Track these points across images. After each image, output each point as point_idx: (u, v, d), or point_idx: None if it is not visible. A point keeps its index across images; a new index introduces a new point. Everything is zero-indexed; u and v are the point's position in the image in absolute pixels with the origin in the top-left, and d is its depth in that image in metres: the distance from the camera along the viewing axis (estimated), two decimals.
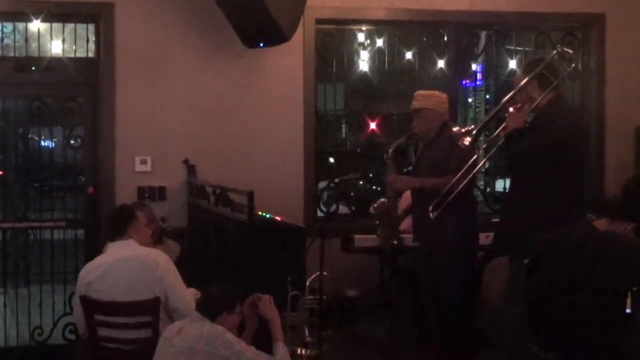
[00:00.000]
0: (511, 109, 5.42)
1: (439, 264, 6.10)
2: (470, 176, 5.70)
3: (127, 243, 5.18)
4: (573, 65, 5.72)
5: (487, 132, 7.00)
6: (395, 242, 6.53)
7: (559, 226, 4.80)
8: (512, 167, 5.82)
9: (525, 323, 4.70)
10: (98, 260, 5.24)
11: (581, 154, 5.74)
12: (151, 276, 5.00)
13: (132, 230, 5.24)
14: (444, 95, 6.33)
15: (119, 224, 5.25)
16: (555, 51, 5.77)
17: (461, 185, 5.66)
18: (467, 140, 5.40)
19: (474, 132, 5.41)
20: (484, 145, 5.89)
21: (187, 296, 5.08)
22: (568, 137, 5.39)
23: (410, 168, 6.82)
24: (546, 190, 5.36)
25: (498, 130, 5.69)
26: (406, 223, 6.72)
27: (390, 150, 6.40)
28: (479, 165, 5.79)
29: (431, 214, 5.71)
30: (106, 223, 5.47)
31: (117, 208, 5.75)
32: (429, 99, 6.24)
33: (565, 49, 5.91)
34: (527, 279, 4.48)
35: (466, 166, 5.69)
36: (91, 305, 5.05)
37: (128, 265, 5.05)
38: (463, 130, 5.48)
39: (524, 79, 5.47)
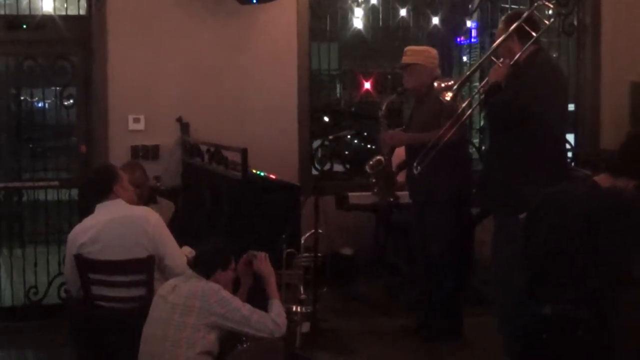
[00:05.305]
0: (498, 63, 5.38)
1: (430, 219, 6.11)
2: (453, 130, 5.66)
3: (115, 203, 5.06)
4: (552, 19, 5.65)
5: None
6: (392, 199, 6.53)
7: (539, 182, 4.77)
8: (491, 122, 5.77)
9: (516, 278, 4.69)
10: (87, 222, 5.09)
11: (561, 109, 5.63)
12: (143, 234, 4.95)
13: (118, 189, 5.11)
14: (433, 51, 6.31)
15: (104, 184, 5.09)
16: (535, 4, 5.70)
17: (445, 139, 5.65)
18: (448, 95, 5.37)
19: (454, 86, 5.38)
20: (467, 100, 5.84)
21: (178, 254, 5.05)
22: (544, 92, 5.31)
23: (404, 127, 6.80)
24: (524, 146, 5.30)
25: (481, 85, 5.66)
26: (403, 177, 6.71)
27: (383, 108, 6.40)
28: (462, 119, 5.77)
29: (415, 170, 5.73)
30: (89, 186, 5.23)
31: (97, 169, 5.55)
32: (419, 54, 6.23)
33: (546, 2, 5.86)
34: (524, 234, 4.46)
35: (450, 121, 5.67)
36: (86, 264, 5.01)
37: (119, 225, 4.97)
38: (443, 84, 5.44)
39: (504, 32, 5.43)
